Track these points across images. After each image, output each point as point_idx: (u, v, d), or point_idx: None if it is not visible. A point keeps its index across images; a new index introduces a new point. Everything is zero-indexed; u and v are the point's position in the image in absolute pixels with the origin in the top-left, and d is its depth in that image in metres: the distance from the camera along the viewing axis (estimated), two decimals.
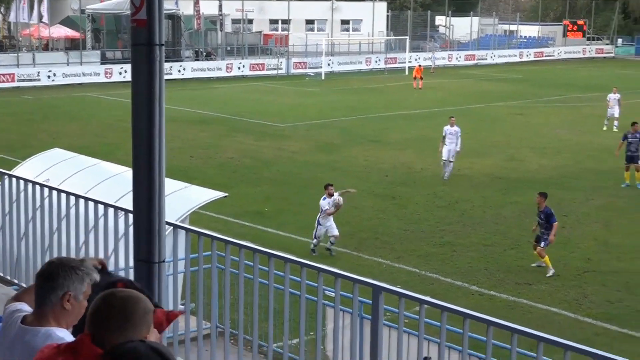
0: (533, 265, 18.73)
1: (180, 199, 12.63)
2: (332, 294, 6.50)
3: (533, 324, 13.92)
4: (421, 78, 55.07)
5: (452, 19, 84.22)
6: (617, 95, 38.54)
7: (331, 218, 19.59)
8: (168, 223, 6.85)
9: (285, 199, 24.68)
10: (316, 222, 19.63)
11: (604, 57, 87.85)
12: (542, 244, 18.51)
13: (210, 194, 13.96)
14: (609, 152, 32.35)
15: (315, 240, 19.59)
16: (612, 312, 16.20)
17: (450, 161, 27.15)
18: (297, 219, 22.40)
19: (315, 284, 6.48)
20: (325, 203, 19.68)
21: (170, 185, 11.04)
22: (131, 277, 7.04)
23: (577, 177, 28.05)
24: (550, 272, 18.16)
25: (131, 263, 6.81)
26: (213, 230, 8.85)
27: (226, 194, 13.98)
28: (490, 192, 25.70)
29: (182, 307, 8.30)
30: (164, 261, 6.29)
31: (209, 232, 7.32)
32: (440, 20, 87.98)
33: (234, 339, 8.04)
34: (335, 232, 19.52)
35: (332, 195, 19.76)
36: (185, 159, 29.61)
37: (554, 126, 39.28)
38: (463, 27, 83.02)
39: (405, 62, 67.97)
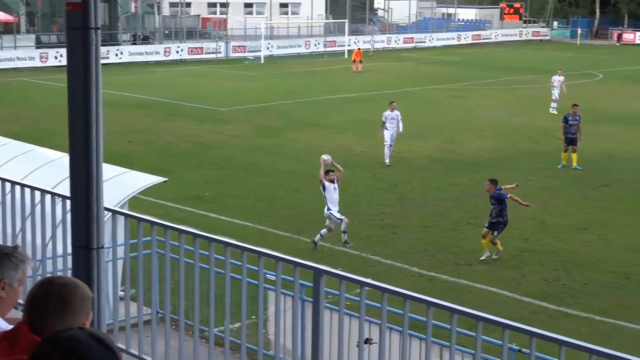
0: (495, 257, 18.23)
1: (119, 184, 12.50)
2: (274, 278, 6.50)
3: (472, 303, 14.08)
4: (360, 61, 55.20)
5: (391, 2, 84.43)
6: (561, 78, 39.01)
7: (337, 201, 18.76)
8: (107, 209, 6.77)
9: (226, 183, 24.60)
10: (326, 211, 18.68)
11: (540, 40, 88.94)
12: (496, 232, 18.30)
13: (149, 179, 13.85)
14: (545, 133, 32.86)
15: (344, 225, 18.59)
16: (549, 291, 16.49)
17: (391, 145, 27.22)
18: (237, 203, 22.35)
19: (256, 268, 6.47)
20: (330, 188, 18.71)
21: (109, 171, 10.93)
22: (69, 264, 6.96)
23: (515, 159, 28.42)
24: (485, 256, 18.15)
25: (69, 250, 6.72)
26: (153, 215, 8.78)
27: (166, 179, 13.88)
28: (430, 175, 25.92)
29: (122, 293, 8.23)
30: (102, 247, 6.23)
31: (148, 218, 7.26)
32: (378, 3, 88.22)
33: (175, 324, 8.00)
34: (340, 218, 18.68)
35: (333, 181, 18.85)
36: (124, 144, 29.30)
37: (491, 108, 39.70)
38: (401, 10, 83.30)
39: (344, 46, 68.04)
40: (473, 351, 5.68)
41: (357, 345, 6.53)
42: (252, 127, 33.89)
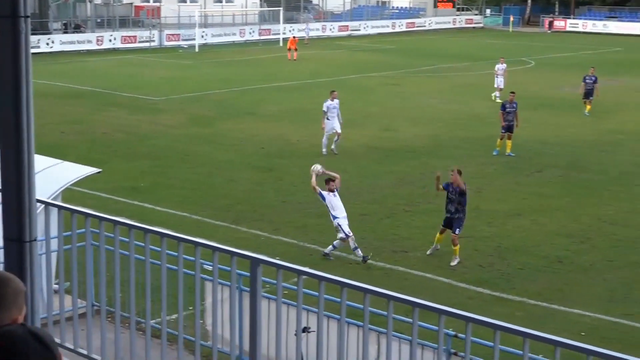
0: (428, 253, 17.76)
1: (52, 175, 12.31)
2: (211, 268, 6.46)
3: (409, 290, 14.21)
4: (295, 49, 55.19)
5: None
6: (504, 66, 39.38)
7: (342, 207, 17.48)
8: (39, 201, 6.66)
9: (161, 173, 24.40)
10: (334, 221, 17.44)
11: (473, 28, 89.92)
12: (457, 231, 17.46)
13: (83, 170, 13.66)
14: (479, 120, 33.27)
15: (352, 244, 17.14)
16: (484, 276, 16.69)
17: (339, 133, 26.99)
18: (173, 193, 22.19)
19: (193, 259, 6.44)
20: (329, 197, 17.53)
21: (41, 162, 10.76)
22: (1, 257, 6.84)
23: (450, 146, 28.69)
24: (456, 261, 17.32)
25: (1, 243, 6.61)
26: (87, 207, 8.67)
27: (100, 170, 13.72)
28: (366, 162, 26.03)
29: (57, 286, 8.11)
30: (35, 240, 6.13)
31: (82, 209, 7.16)
32: None
33: (111, 316, 7.92)
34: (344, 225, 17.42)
35: (333, 190, 17.55)
36: (56, 134, 28.87)
37: (426, 96, 40.01)
38: None
39: (279, 34, 67.94)
40: (410, 337, 5.72)
41: (295, 334, 6.54)
42: (187, 116, 33.66)
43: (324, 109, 27.11)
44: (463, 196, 17.64)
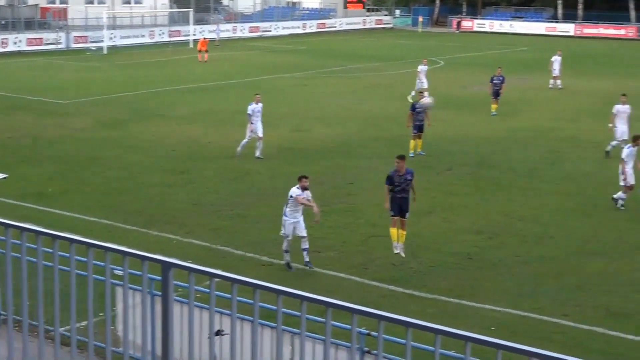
0: (400, 254, 17.83)
1: None
2: (121, 273, 6.37)
3: (322, 290, 14.29)
4: (206, 51, 54.90)
5: None
6: (426, 67, 39.78)
7: (300, 212, 17.09)
8: None
9: (70, 178, 23.96)
10: (283, 215, 17.10)
11: (383, 28, 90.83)
12: (407, 215, 17.89)
13: None
14: (390, 120, 33.60)
15: (285, 244, 16.91)
16: (396, 275, 16.84)
17: (260, 137, 26.78)
18: (83, 197, 21.83)
19: (103, 264, 6.33)
20: (299, 192, 17.04)
21: None
22: None
23: (361, 145, 28.89)
24: (399, 249, 17.75)
25: None
26: None
27: (5, 175, 13.41)
28: (278, 163, 26.02)
29: None
30: None
31: None
32: None
33: (19, 325, 7.74)
34: (304, 232, 16.95)
35: (307, 188, 17.16)
36: None
37: (337, 96, 40.22)
38: None
39: (189, 35, 67.49)
40: (324, 337, 5.73)
41: (209, 337, 6.50)
42: (96, 119, 33.15)
43: (249, 112, 26.64)
44: (412, 179, 17.93)
